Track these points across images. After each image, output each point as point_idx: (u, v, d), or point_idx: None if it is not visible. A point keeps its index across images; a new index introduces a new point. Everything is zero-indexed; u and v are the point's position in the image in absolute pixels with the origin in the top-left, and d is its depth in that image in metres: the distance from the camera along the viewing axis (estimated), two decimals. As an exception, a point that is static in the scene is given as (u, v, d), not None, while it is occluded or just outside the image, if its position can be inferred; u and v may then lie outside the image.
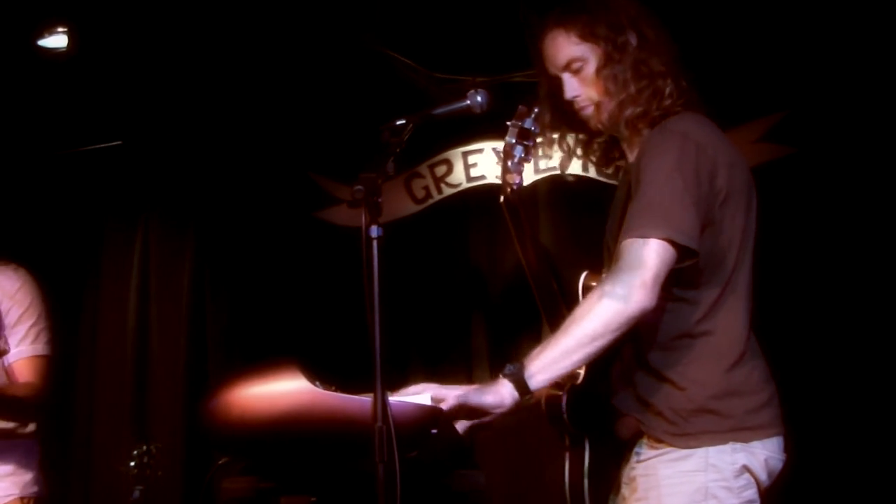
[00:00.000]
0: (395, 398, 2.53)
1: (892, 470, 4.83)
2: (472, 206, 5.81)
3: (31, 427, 4.43)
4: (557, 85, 3.17)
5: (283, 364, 2.57)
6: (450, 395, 2.79)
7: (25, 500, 4.39)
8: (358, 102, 5.77)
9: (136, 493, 4.82)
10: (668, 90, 3.07)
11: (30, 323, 4.43)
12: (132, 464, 4.84)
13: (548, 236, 5.62)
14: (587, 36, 3.10)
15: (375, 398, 2.38)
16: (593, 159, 3.39)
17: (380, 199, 2.55)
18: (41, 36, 5.68)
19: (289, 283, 5.92)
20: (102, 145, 6.30)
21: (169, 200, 6.35)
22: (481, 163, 5.75)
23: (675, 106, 3.07)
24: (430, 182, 5.86)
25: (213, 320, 6.18)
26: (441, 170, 5.84)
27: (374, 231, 2.50)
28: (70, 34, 5.66)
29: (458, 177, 5.81)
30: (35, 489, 4.44)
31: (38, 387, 4.38)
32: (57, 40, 5.69)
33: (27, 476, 4.41)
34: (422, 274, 5.83)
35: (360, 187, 2.52)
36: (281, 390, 2.54)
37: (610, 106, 3.10)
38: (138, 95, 6.10)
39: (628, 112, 3.07)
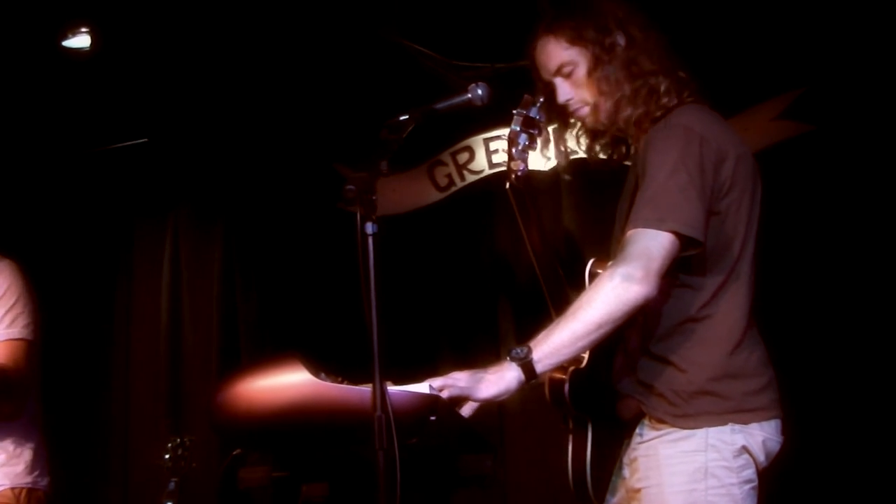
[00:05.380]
0: (393, 388, 2.59)
1: (888, 453, 4.83)
2: (495, 192, 5.80)
3: (20, 415, 4.30)
4: (552, 91, 3.28)
5: (285, 358, 2.64)
6: (453, 384, 2.84)
7: (17, 491, 4.25)
8: (380, 94, 5.80)
9: (172, 485, 4.87)
10: (663, 87, 3.16)
11: (4, 309, 4.28)
12: (167, 456, 4.89)
13: (571, 218, 5.65)
14: (575, 40, 3.21)
15: (374, 388, 2.44)
16: (601, 155, 3.46)
17: (374, 197, 2.61)
18: (65, 37, 5.73)
19: (316, 274, 5.97)
20: (129, 143, 6.37)
21: (197, 195, 6.42)
22: (503, 149, 5.74)
23: (674, 101, 3.14)
24: (452, 169, 5.90)
25: (244, 312, 6.23)
26: (463, 157, 5.88)
27: (370, 228, 2.57)
28: (92, 34, 5.71)
29: (481, 163, 5.85)
30: (28, 479, 4.29)
31: (10, 369, 4.19)
32: (80, 40, 5.74)
33: (19, 466, 4.27)
34: (448, 260, 5.87)
35: (351, 187, 2.59)
36: (285, 383, 2.62)
37: (607, 105, 3.20)
38: (163, 92, 6.15)
39: (627, 112, 3.17)
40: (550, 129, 3.49)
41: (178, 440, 4.96)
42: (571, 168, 3.63)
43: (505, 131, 5.60)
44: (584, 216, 5.65)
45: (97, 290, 6.48)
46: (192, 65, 6.01)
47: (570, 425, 3.19)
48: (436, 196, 5.94)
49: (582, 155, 3.51)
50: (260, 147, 6.22)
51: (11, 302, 4.31)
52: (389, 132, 2.85)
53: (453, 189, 5.93)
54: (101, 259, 6.51)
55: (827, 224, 5.05)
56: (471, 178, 5.89)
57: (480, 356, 5.67)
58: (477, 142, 5.84)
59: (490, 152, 5.81)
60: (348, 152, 5.99)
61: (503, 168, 5.75)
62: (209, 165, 6.36)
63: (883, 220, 4.98)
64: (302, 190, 6.08)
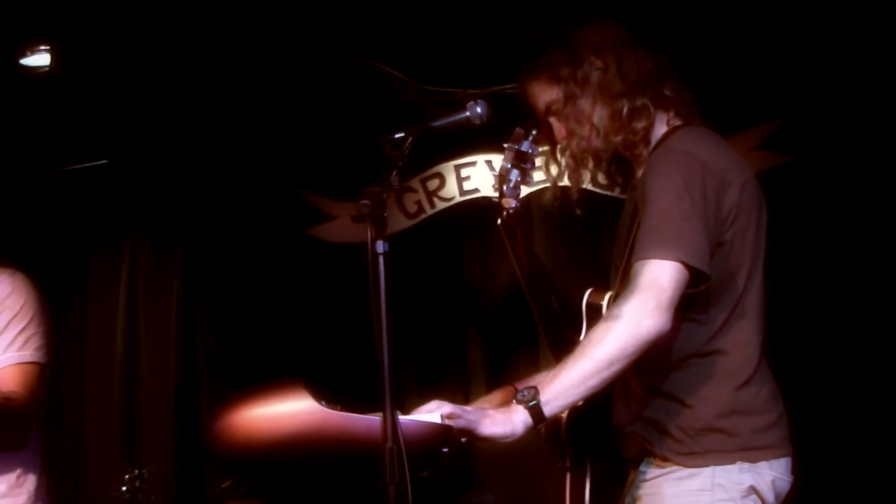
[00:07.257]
0: (404, 417, 2.45)
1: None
2: (466, 219, 5.75)
3: (26, 443, 4.17)
4: (550, 129, 3.26)
5: (289, 384, 2.51)
6: (462, 415, 2.71)
7: None
8: (348, 118, 5.71)
9: (129, 518, 4.75)
10: (640, 102, 3.09)
11: (18, 329, 4.14)
12: (124, 488, 4.77)
13: (542, 249, 5.56)
14: (553, 80, 3.17)
15: (385, 417, 2.31)
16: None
17: (385, 214, 2.50)
18: (24, 54, 5.58)
19: (279, 302, 5.85)
20: (88, 164, 6.22)
21: (156, 219, 6.27)
22: (474, 176, 5.69)
23: (653, 120, 3.09)
24: (422, 196, 5.78)
25: (203, 340, 6.08)
26: (433, 184, 5.77)
27: (381, 246, 2.47)
28: (53, 52, 5.57)
29: (451, 190, 5.75)
30: None
31: (21, 396, 4.05)
32: (40, 58, 5.60)
33: (21, 497, 4.14)
34: (416, 289, 5.72)
35: (366, 202, 2.48)
36: (289, 410, 2.48)
37: (580, 143, 3.15)
38: (124, 113, 6.02)
39: (596, 143, 3.11)
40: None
41: (136, 471, 4.82)
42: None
43: (476, 158, 5.66)
44: (554, 248, 5.58)
45: (50, 314, 6.27)
46: (154, 86, 5.88)
47: (567, 463, 3.07)
48: (405, 223, 5.80)
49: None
50: (222, 170, 6.10)
51: (26, 321, 4.19)
52: (392, 147, 2.75)
53: (423, 216, 5.81)
54: (55, 284, 6.29)
55: (806, 254, 5.01)
56: (441, 206, 5.78)
57: (448, 386, 5.57)
58: (448, 168, 5.73)
59: (461, 179, 5.71)
60: (313, 177, 5.88)
61: (474, 195, 5.68)
62: (169, 188, 6.21)
63: (862, 251, 4.96)
64: (265, 214, 5.96)
